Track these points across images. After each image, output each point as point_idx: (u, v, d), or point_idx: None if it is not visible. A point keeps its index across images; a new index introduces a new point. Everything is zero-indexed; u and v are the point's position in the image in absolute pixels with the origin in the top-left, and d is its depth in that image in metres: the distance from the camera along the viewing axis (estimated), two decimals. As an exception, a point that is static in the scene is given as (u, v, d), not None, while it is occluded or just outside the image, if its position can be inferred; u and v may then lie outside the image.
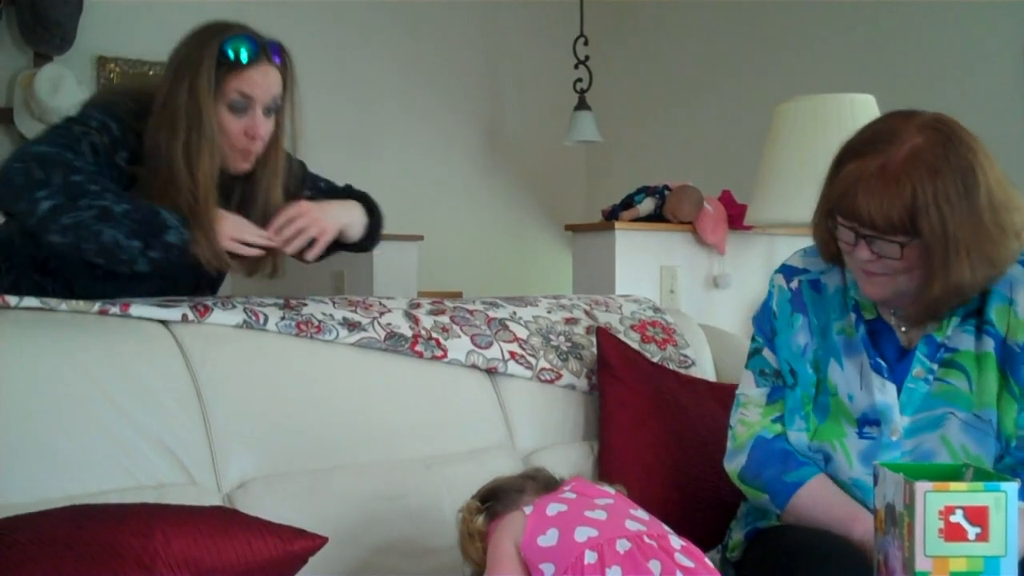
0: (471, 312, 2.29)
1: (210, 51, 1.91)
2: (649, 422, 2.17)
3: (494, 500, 1.65)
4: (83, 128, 1.90)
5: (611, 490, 1.67)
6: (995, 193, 1.59)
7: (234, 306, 2.00)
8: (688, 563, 1.48)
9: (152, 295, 2.02)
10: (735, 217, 3.51)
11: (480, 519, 1.64)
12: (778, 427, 1.78)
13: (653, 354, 2.40)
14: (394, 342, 2.12)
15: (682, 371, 2.41)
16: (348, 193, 2.22)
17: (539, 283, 4.70)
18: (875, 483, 1.44)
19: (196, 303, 1.98)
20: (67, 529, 1.41)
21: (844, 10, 4.16)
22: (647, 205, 3.51)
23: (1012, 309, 1.66)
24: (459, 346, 2.19)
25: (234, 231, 1.92)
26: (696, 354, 2.50)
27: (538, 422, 2.24)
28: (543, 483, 1.69)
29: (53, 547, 1.37)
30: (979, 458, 1.65)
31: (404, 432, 2.07)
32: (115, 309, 1.88)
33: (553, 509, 1.57)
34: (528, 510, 1.58)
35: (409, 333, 2.15)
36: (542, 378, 2.26)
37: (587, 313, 2.45)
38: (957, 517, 1.31)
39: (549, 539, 1.52)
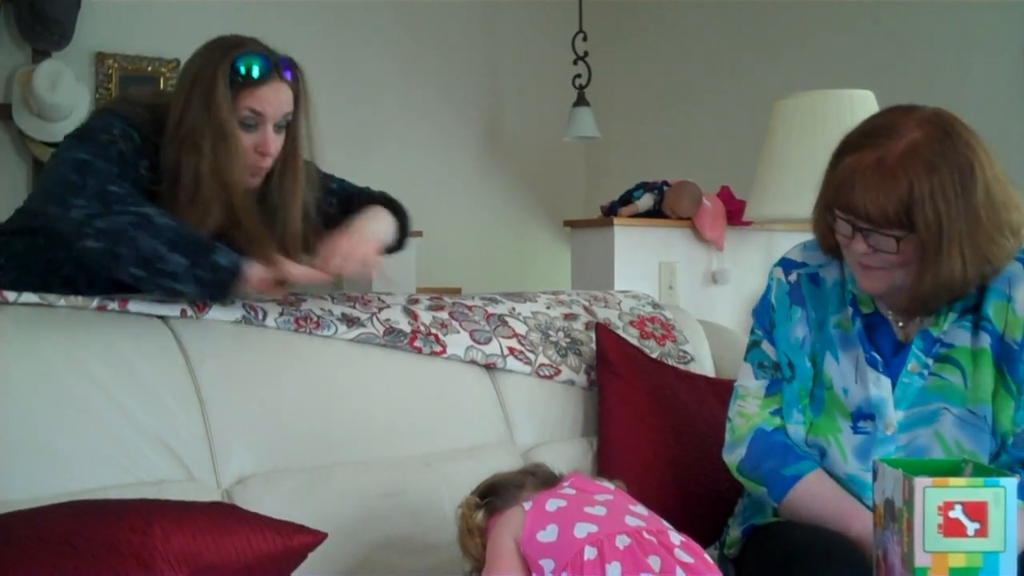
0: (470, 308, 2.29)
1: (223, 67, 1.89)
2: (648, 418, 2.17)
3: (493, 496, 1.66)
4: (108, 136, 1.88)
5: (610, 486, 1.67)
6: (993, 190, 1.59)
7: (233, 302, 1.99)
8: (688, 559, 1.48)
9: None
10: (734, 213, 3.51)
11: (479, 515, 1.64)
12: (777, 420, 1.79)
13: (652, 350, 2.40)
14: (393, 338, 2.12)
15: (681, 367, 2.41)
16: (369, 197, 2.19)
17: (538, 279, 4.70)
18: (874, 479, 1.44)
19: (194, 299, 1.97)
20: (66, 526, 1.41)
21: (843, 7, 4.16)
22: (646, 201, 3.51)
23: (1010, 306, 1.66)
24: (458, 342, 2.19)
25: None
26: (695, 350, 2.50)
27: (537, 418, 2.24)
28: (542, 479, 1.69)
29: (52, 544, 1.37)
30: (973, 454, 1.65)
31: (403, 428, 2.07)
32: (113, 305, 1.88)
33: (553, 505, 1.57)
34: (528, 506, 1.58)
35: (408, 329, 2.15)
36: (541, 374, 2.26)
37: (586, 309, 2.45)
38: (956, 513, 1.31)
39: (549, 535, 1.52)
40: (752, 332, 1.87)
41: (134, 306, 1.90)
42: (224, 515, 1.52)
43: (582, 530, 1.50)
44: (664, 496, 2.01)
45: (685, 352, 2.47)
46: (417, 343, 2.14)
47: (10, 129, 3.91)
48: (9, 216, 2.09)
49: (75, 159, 1.83)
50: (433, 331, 2.18)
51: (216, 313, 1.95)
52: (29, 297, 1.84)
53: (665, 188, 3.53)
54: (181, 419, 1.85)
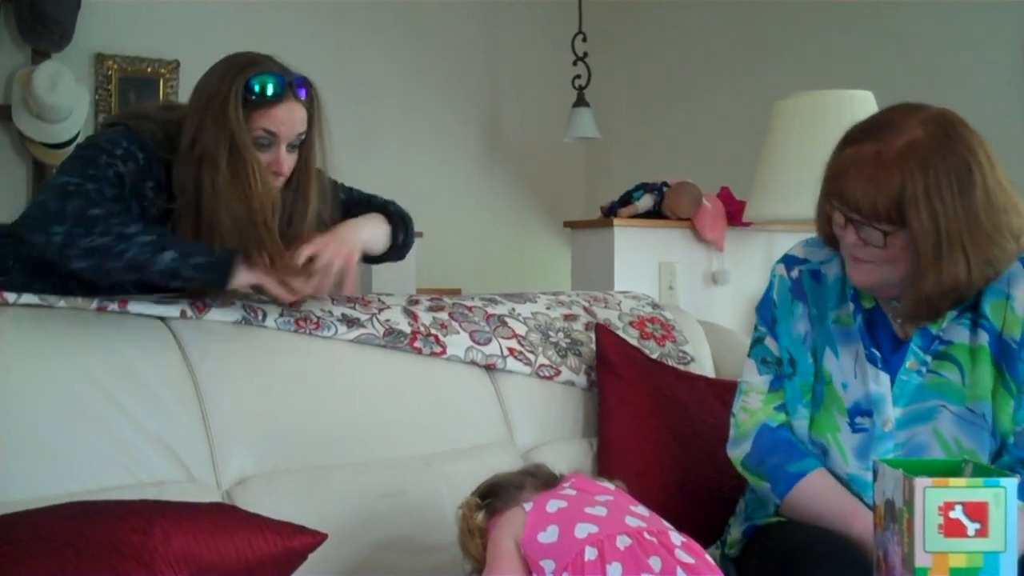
0: (470, 308, 2.29)
1: (237, 87, 1.88)
2: (648, 418, 2.18)
3: (494, 497, 1.65)
4: (109, 158, 1.87)
5: (611, 486, 1.67)
6: (994, 194, 1.59)
7: (233, 303, 1.99)
8: (688, 559, 1.48)
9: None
10: (734, 213, 3.51)
11: (480, 516, 1.64)
12: (782, 416, 1.79)
13: (652, 350, 2.40)
14: (393, 338, 2.12)
15: (681, 367, 2.41)
16: (370, 204, 2.19)
17: (538, 280, 4.70)
18: (874, 479, 1.44)
19: (195, 300, 1.97)
20: (67, 526, 1.41)
21: (843, 7, 4.16)
22: (646, 202, 3.51)
23: (1009, 304, 1.66)
24: (458, 342, 2.20)
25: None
26: (695, 350, 2.50)
27: (537, 418, 2.24)
28: (543, 479, 1.69)
29: (53, 544, 1.37)
30: (973, 452, 1.65)
31: (403, 429, 2.07)
32: (113, 306, 1.88)
33: (553, 505, 1.57)
34: (528, 506, 1.58)
35: (408, 329, 2.15)
36: (541, 374, 2.26)
37: (586, 309, 2.45)
38: (957, 513, 1.31)
39: (549, 535, 1.52)
40: (756, 329, 1.88)
41: (134, 307, 1.90)
42: (224, 516, 1.52)
43: (583, 531, 1.50)
44: (665, 496, 2.01)
45: (685, 353, 2.47)
46: (417, 344, 2.14)
47: (10, 130, 3.91)
48: (15, 219, 2.08)
49: (62, 184, 1.82)
50: (433, 332, 2.18)
51: (216, 314, 1.95)
52: (29, 298, 1.84)
53: (665, 189, 3.52)
54: (181, 420, 1.85)
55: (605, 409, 2.21)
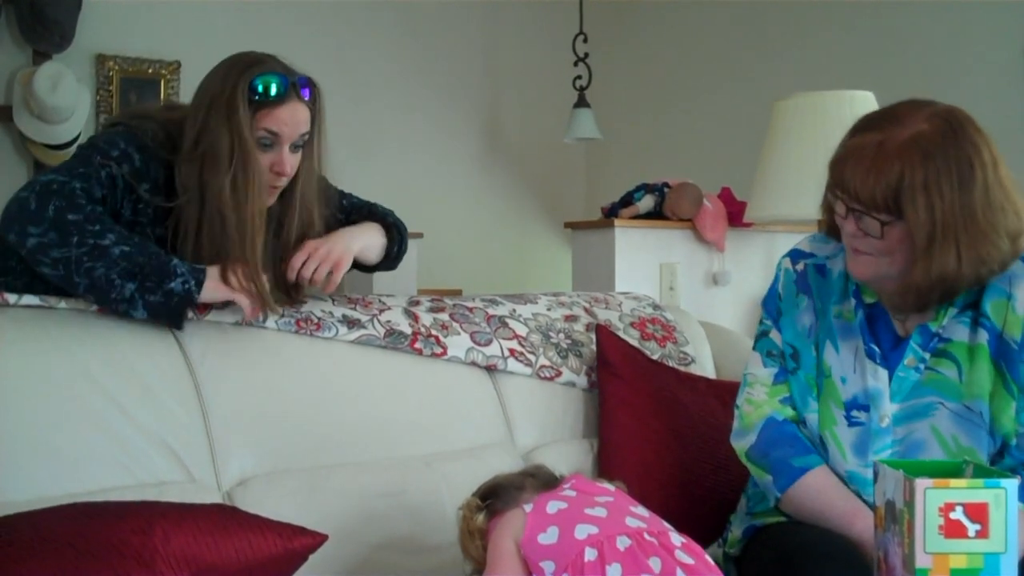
0: (471, 309, 2.29)
1: (241, 87, 1.88)
2: (649, 419, 2.17)
3: (494, 498, 1.66)
4: (103, 159, 1.87)
5: (611, 487, 1.67)
6: (993, 192, 1.59)
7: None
8: (688, 560, 1.48)
9: None
10: (734, 214, 3.51)
11: (480, 517, 1.64)
12: (788, 410, 1.80)
13: (653, 351, 2.40)
14: (393, 339, 2.12)
15: (682, 368, 2.41)
16: (370, 212, 2.20)
17: (539, 280, 4.70)
18: (875, 480, 1.44)
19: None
20: (67, 527, 1.41)
21: (843, 7, 4.16)
22: (647, 202, 3.51)
23: (1010, 304, 1.67)
24: (459, 343, 2.20)
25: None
26: (696, 351, 2.50)
27: (538, 419, 2.24)
28: (543, 481, 1.69)
29: (54, 545, 1.37)
30: (971, 450, 1.66)
31: (404, 429, 2.07)
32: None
33: (553, 507, 1.57)
34: (528, 508, 1.58)
35: (408, 330, 2.15)
36: (542, 375, 2.26)
37: (587, 310, 2.45)
38: (957, 514, 1.31)
39: (549, 537, 1.52)
40: (761, 322, 1.89)
41: (135, 308, 1.90)
42: (225, 517, 1.52)
43: (582, 532, 1.50)
44: (665, 497, 2.01)
45: (686, 354, 2.47)
46: (418, 345, 2.14)
47: (10, 131, 3.91)
48: None
49: (47, 182, 1.81)
50: (434, 333, 2.18)
51: (216, 314, 1.96)
52: (30, 298, 1.84)
53: (666, 189, 3.52)
54: (182, 420, 1.85)
55: (606, 410, 2.21)
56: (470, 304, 2.32)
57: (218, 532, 1.47)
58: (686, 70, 4.79)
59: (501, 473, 1.76)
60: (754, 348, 1.89)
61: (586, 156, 5.24)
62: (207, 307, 1.95)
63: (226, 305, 1.94)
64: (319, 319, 2.06)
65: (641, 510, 1.60)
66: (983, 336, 1.68)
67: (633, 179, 3.75)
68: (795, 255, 1.87)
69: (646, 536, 1.51)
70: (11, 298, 1.83)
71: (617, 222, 3.45)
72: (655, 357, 2.38)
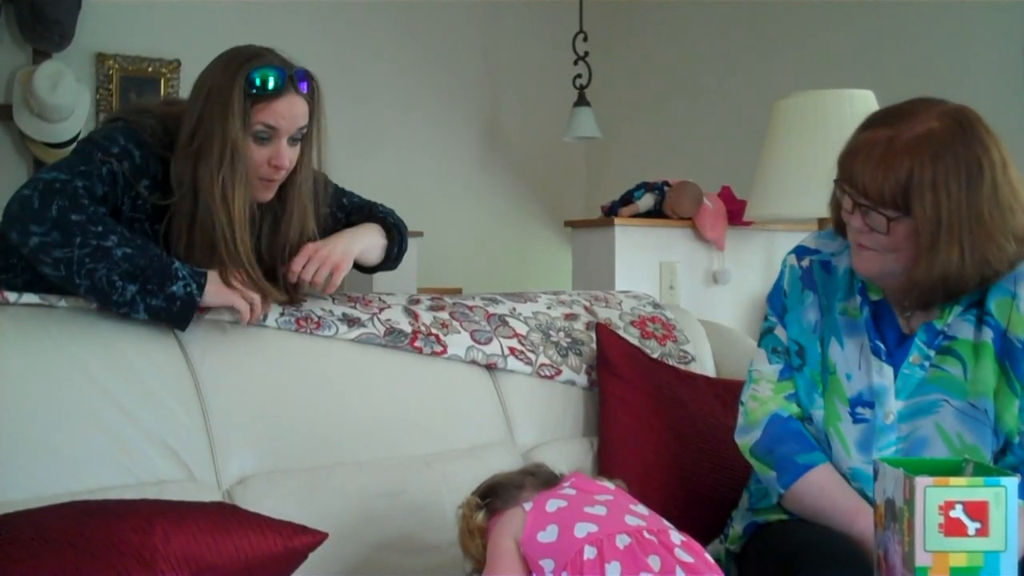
0: (471, 308, 2.29)
1: (238, 81, 1.87)
2: (649, 418, 2.17)
3: (494, 496, 1.66)
4: (103, 155, 1.87)
5: (611, 486, 1.67)
6: (1002, 192, 1.60)
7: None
8: (688, 558, 1.48)
9: None
10: (734, 213, 3.51)
11: (480, 515, 1.64)
12: (793, 407, 1.80)
13: (653, 350, 2.40)
14: (393, 338, 2.12)
15: (682, 367, 2.41)
16: (371, 212, 2.20)
17: (539, 279, 4.70)
18: (875, 478, 1.44)
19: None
20: (67, 526, 1.41)
21: (843, 7, 4.16)
22: (647, 201, 3.51)
23: (1015, 303, 1.67)
24: (459, 342, 2.20)
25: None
26: (696, 350, 2.50)
27: (538, 418, 2.24)
28: (543, 479, 1.69)
29: (54, 544, 1.37)
30: (975, 448, 1.66)
31: (404, 428, 2.07)
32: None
33: (553, 505, 1.57)
34: (528, 506, 1.58)
35: (408, 329, 2.15)
36: (542, 374, 2.26)
37: (587, 309, 2.45)
38: (957, 512, 1.31)
39: (549, 535, 1.52)
40: (766, 319, 1.89)
41: (135, 306, 1.90)
42: (225, 516, 1.52)
43: (582, 530, 1.50)
44: (665, 496, 2.01)
45: (686, 352, 2.47)
46: (418, 343, 2.14)
47: (10, 130, 3.91)
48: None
49: (50, 181, 1.81)
50: (434, 331, 2.18)
51: (215, 313, 1.95)
52: (30, 297, 1.84)
53: (666, 188, 3.52)
54: (182, 419, 1.85)
55: (606, 409, 2.21)
56: (470, 303, 2.32)
57: (218, 531, 1.47)
58: (686, 69, 4.79)
59: (501, 472, 1.76)
60: (759, 344, 1.89)
61: (586, 155, 5.24)
62: (206, 307, 1.95)
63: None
64: (319, 318, 2.06)
65: (641, 508, 1.60)
66: (988, 334, 1.68)
67: (633, 178, 3.75)
68: (800, 251, 1.87)
69: (645, 534, 1.51)
70: (11, 297, 1.83)
71: (617, 221, 3.45)
72: (655, 356, 2.38)
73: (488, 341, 2.23)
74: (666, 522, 1.58)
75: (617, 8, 5.01)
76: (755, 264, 3.64)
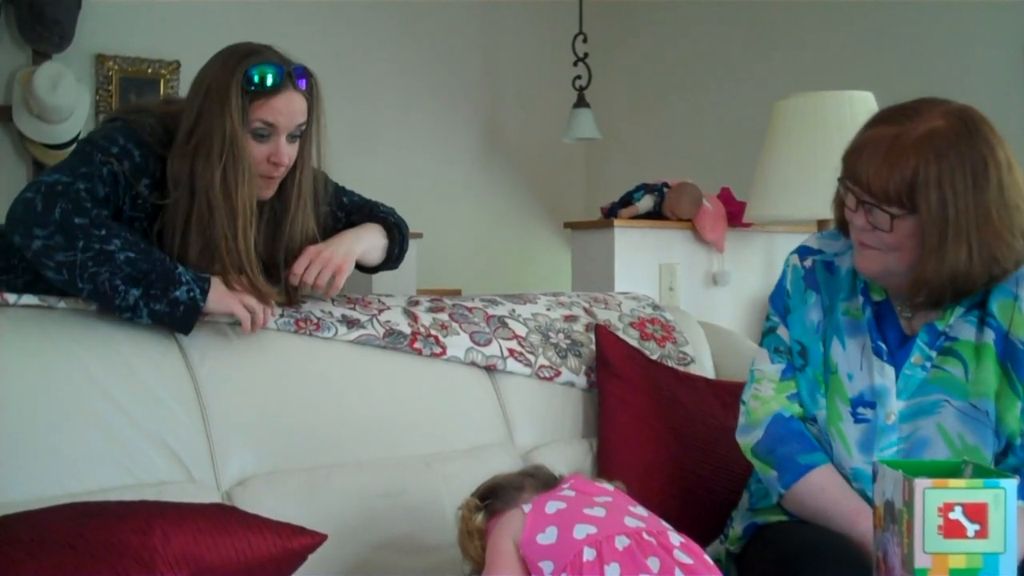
0: (470, 309, 2.29)
1: (236, 77, 1.87)
2: (648, 419, 2.18)
3: (493, 498, 1.66)
4: (104, 156, 1.87)
5: (610, 487, 1.67)
6: (1008, 192, 1.60)
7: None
8: (687, 560, 1.49)
9: None
10: (734, 214, 3.51)
11: (479, 517, 1.64)
12: (796, 407, 1.80)
13: (652, 351, 2.40)
14: (393, 339, 2.12)
15: (681, 368, 2.41)
16: (371, 212, 2.20)
17: (538, 280, 4.70)
18: (874, 479, 1.44)
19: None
20: (67, 527, 1.41)
21: (843, 7, 4.16)
22: (646, 202, 3.51)
23: (1016, 305, 1.67)
24: (458, 343, 2.20)
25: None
26: (695, 351, 2.50)
27: (537, 419, 2.24)
28: (542, 481, 1.69)
29: (53, 545, 1.37)
30: (976, 448, 1.66)
31: (403, 429, 2.07)
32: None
33: (552, 507, 1.57)
34: (527, 508, 1.58)
35: (408, 330, 2.15)
36: (541, 375, 2.26)
37: (586, 310, 2.45)
38: (956, 514, 1.31)
39: (548, 537, 1.52)
40: (768, 318, 1.89)
41: (134, 307, 1.90)
42: (224, 517, 1.52)
43: (581, 531, 1.50)
44: (664, 497, 2.01)
45: (685, 354, 2.47)
46: (417, 345, 2.14)
47: (10, 131, 3.91)
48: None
49: (52, 183, 1.81)
50: (433, 333, 2.18)
51: (216, 317, 1.95)
52: (29, 298, 1.85)
53: (665, 189, 3.52)
54: (181, 420, 1.85)
55: (605, 410, 2.21)
56: (469, 304, 2.32)
57: (217, 532, 1.47)
58: (685, 70, 4.79)
59: (500, 473, 1.76)
60: (761, 344, 1.89)
61: (586, 156, 5.24)
62: (207, 313, 1.95)
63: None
64: (318, 319, 2.06)
65: (640, 510, 1.60)
66: (989, 336, 1.68)
67: (633, 179, 3.75)
68: (803, 251, 1.88)
69: (645, 536, 1.51)
70: (11, 298, 1.83)
71: (616, 222, 3.45)
72: (654, 357, 2.38)
73: (487, 342, 2.23)
74: (665, 523, 1.58)
75: (617, 9, 5.01)
76: (755, 265, 3.64)
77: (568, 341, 2.33)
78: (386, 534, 1.91)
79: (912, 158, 1.58)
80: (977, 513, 1.31)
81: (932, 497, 1.31)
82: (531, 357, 2.26)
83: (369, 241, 2.12)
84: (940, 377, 1.70)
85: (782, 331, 1.85)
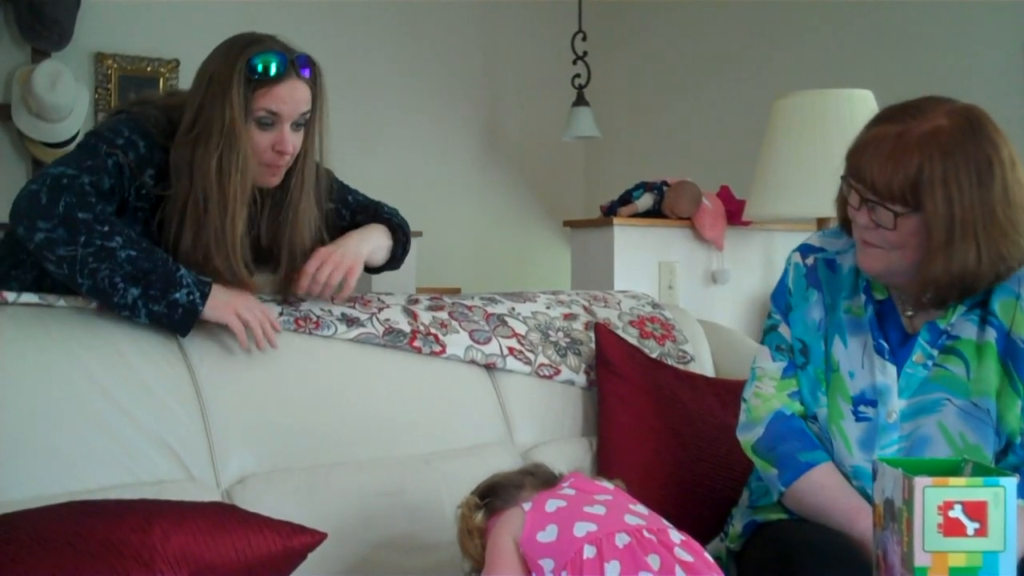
0: (470, 308, 2.29)
1: (239, 66, 1.88)
2: (648, 417, 2.17)
3: (493, 496, 1.66)
4: (108, 148, 1.87)
5: (610, 485, 1.67)
6: (1013, 190, 1.61)
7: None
8: (687, 557, 1.48)
9: None
10: (733, 213, 3.51)
11: (479, 515, 1.64)
12: (797, 405, 1.80)
13: (652, 350, 2.40)
14: (392, 338, 2.12)
15: (680, 367, 2.41)
16: (376, 212, 2.20)
17: (538, 279, 4.69)
18: (874, 478, 1.44)
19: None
20: (66, 526, 1.41)
21: (843, 6, 4.16)
22: (645, 201, 3.50)
23: (1018, 304, 1.67)
24: (458, 342, 2.19)
25: (244, 309, 1.92)
26: (695, 349, 2.50)
27: (537, 418, 2.24)
28: (542, 479, 1.69)
29: (53, 544, 1.37)
30: (978, 447, 1.66)
31: (403, 428, 2.07)
32: (110, 306, 1.88)
33: (552, 505, 1.57)
34: (527, 506, 1.58)
35: (408, 329, 2.15)
36: (541, 374, 2.26)
37: (586, 309, 2.45)
38: (956, 512, 1.31)
39: (548, 535, 1.52)
40: (769, 316, 1.89)
41: (134, 306, 1.90)
42: (224, 515, 1.52)
43: (581, 529, 1.50)
44: (664, 495, 2.01)
45: (685, 352, 2.47)
46: (417, 343, 2.14)
47: (9, 129, 3.91)
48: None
49: (56, 175, 1.81)
50: (433, 331, 2.18)
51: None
52: (29, 297, 1.84)
53: (665, 188, 3.52)
54: (181, 419, 1.85)
55: (604, 408, 2.21)
56: (469, 302, 2.32)
57: (217, 531, 1.47)
58: (685, 68, 4.79)
59: (500, 472, 1.76)
60: (762, 342, 1.89)
61: (585, 154, 5.24)
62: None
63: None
64: (318, 317, 2.06)
65: (640, 508, 1.60)
66: (991, 334, 1.68)
67: (632, 177, 3.75)
68: (805, 249, 1.88)
69: (645, 533, 1.51)
70: (10, 296, 1.83)
71: (616, 220, 3.45)
72: (654, 355, 2.38)
73: (487, 341, 2.23)
74: (665, 521, 1.58)
75: (616, 8, 5.01)
76: (754, 264, 3.63)
77: (568, 339, 2.33)
78: (386, 533, 1.91)
79: (916, 156, 1.58)
80: (977, 511, 1.31)
81: (932, 495, 1.31)
82: (531, 355, 2.26)
83: (375, 241, 2.13)
84: (941, 376, 1.70)
85: (783, 329, 1.85)
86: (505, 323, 2.29)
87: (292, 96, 1.92)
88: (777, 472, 1.77)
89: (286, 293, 2.06)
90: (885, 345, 1.74)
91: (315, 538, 1.56)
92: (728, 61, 4.58)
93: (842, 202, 1.74)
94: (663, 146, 4.81)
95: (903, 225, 1.61)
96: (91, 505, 1.50)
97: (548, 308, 2.40)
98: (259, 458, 1.90)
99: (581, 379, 2.30)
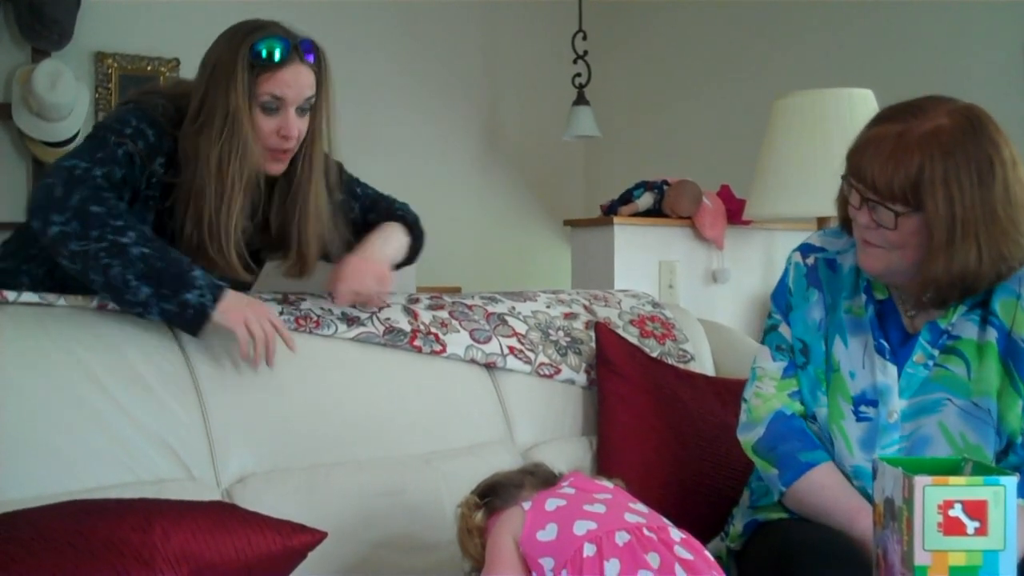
0: (470, 307, 2.29)
1: (243, 52, 1.89)
2: (648, 417, 2.17)
3: (493, 495, 1.66)
4: (118, 138, 1.88)
5: (610, 484, 1.67)
6: (1014, 190, 1.61)
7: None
8: (687, 555, 1.48)
9: None
10: (734, 212, 3.51)
11: (479, 515, 1.64)
12: (797, 405, 1.80)
13: (652, 349, 2.40)
14: (393, 337, 2.12)
15: (681, 366, 2.41)
16: (388, 210, 2.20)
17: (538, 278, 4.70)
18: (874, 477, 1.44)
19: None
20: (66, 525, 1.41)
21: (843, 5, 4.16)
22: (646, 200, 3.51)
23: (1019, 304, 1.67)
24: (458, 341, 2.19)
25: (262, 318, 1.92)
26: (695, 349, 2.50)
27: (537, 417, 2.24)
28: (542, 478, 1.69)
29: (53, 543, 1.37)
30: (978, 447, 1.66)
31: (403, 427, 2.07)
32: (113, 304, 1.88)
33: (552, 504, 1.57)
34: (527, 505, 1.58)
35: (408, 328, 2.15)
36: (541, 373, 2.26)
37: (586, 308, 2.45)
38: (956, 511, 1.31)
39: (548, 534, 1.52)
40: (770, 316, 1.89)
41: (134, 305, 1.90)
42: (224, 514, 1.52)
43: (581, 528, 1.50)
44: (664, 494, 2.01)
45: (685, 351, 2.47)
46: (417, 342, 2.14)
47: (9, 129, 3.90)
48: None
49: (70, 168, 1.82)
50: (433, 330, 2.18)
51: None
52: (29, 296, 1.84)
53: (665, 187, 3.52)
54: (181, 418, 1.85)
55: (605, 407, 2.21)
56: (469, 302, 2.32)
57: (217, 530, 1.47)
58: (685, 68, 4.79)
59: (500, 471, 1.76)
60: (763, 342, 1.89)
61: (585, 154, 5.24)
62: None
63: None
64: (318, 316, 2.06)
65: (640, 506, 1.60)
66: (992, 334, 1.68)
67: (632, 177, 3.75)
68: (805, 249, 1.88)
69: (645, 531, 1.51)
70: (10, 296, 1.83)
71: (616, 220, 3.45)
72: (654, 354, 2.38)
73: (487, 340, 2.23)
74: (665, 520, 1.58)
75: (616, 7, 5.01)
76: (754, 263, 3.64)
77: (568, 339, 2.33)
78: (386, 532, 1.91)
79: (917, 155, 1.58)
80: (977, 510, 1.31)
81: (932, 494, 1.31)
82: (531, 355, 2.26)
83: (396, 242, 2.14)
84: (942, 376, 1.70)
85: (784, 329, 1.85)
86: (505, 322, 2.29)
87: (296, 80, 1.92)
88: (777, 472, 1.77)
89: (298, 274, 2.06)
90: (886, 345, 1.74)
91: (315, 537, 1.56)
92: (728, 61, 4.58)
93: (843, 202, 1.74)
94: (663, 145, 4.81)
95: (904, 225, 1.61)
96: (91, 504, 1.50)
97: (548, 307, 2.40)
98: (259, 457, 1.90)
99: (581, 378, 2.30)
